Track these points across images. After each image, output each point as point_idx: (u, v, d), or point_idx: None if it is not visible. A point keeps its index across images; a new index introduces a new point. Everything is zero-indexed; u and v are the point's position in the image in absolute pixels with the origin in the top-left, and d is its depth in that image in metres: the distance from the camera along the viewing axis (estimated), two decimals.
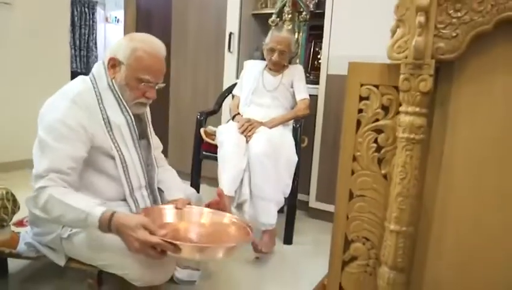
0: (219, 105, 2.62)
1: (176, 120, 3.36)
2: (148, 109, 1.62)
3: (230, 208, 1.96)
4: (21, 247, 1.53)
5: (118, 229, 1.22)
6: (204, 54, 3.12)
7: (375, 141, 0.96)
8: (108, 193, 1.41)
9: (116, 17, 6.73)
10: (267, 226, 1.99)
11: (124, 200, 1.44)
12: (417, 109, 0.86)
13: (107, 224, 1.21)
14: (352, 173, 0.99)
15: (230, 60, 2.94)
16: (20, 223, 1.81)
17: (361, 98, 0.96)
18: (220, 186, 1.92)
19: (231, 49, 2.91)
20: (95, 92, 1.40)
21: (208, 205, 1.53)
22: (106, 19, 7.43)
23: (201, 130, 2.26)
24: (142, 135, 1.54)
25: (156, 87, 1.46)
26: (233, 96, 2.50)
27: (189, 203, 1.50)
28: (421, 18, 0.79)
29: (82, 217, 1.21)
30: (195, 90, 3.20)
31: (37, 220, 1.45)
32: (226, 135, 2.05)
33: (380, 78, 0.93)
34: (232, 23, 2.90)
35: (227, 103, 2.63)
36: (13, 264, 1.66)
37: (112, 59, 1.40)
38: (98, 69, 1.44)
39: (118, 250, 1.35)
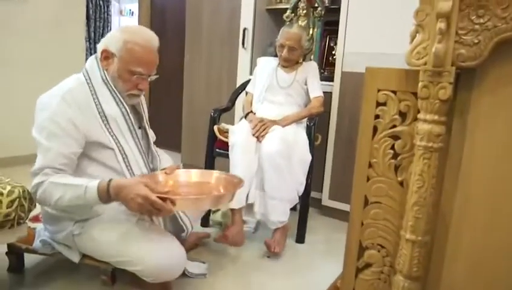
0: (232, 102, 2.60)
1: (189, 115, 3.36)
2: (144, 101, 1.64)
3: (242, 220, 2.00)
4: (36, 244, 1.56)
5: (117, 193, 1.25)
6: (218, 49, 3.10)
7: (392, 148, 0.95)
8: None
9: (130, 10, 6.74)
10: (278, 224, 1.98)
11: None
12: (436, 117, 0.83)
13: (106, 191, 1.25)
14: (368, 179, 0.97)
15: (244, 56, 2.93)
16: (36, 219, 1.84)
17: (378, 104, 0.94)
18: None
19: (245, 45, 2.89)
20: (89, 86, 1.41)
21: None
22: (121, 12, 7.43)
23: (215, 128, 2.26)
24: (139, 126, 1.56)
25: (149, 79, 1.47)
26: (246, 93, 2.49)
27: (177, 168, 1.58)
28: (441, 24, 0.76)
29: (81, 192, 1.25)
30: (208, 86, 3.20)
31: (49, 218, 1.49)
32: (236, 136, 2.04)
33: (398, 84, 0.91)
34: (246, 19, 2.87)
35: (241, 99, 2.62)
36: (29, 259, 1.69)
37: (104, 51, 1.42)
38: (91, 63, 1.45)
39: (130, 246, 1.37)
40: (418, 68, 0.84)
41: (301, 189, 2.05)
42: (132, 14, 6.71)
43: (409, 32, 0.86)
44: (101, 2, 7.11)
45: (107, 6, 7.25)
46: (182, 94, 3.37)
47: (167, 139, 4.12)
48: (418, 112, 0.87)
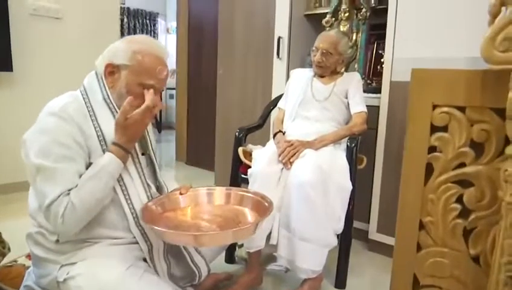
0: (264, 119, 2.31)
1: (223, 132, 3.17)
2: (150, 126, 1.47)
3: (259, 264, 1.74)
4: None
5: (126, 137, 1.21)
6: (253, 62, 2.88)
7: (459, 200, 0.58)
8: (113, 223, 1.27)
9: (177, 28, 6.81)
10: (309, 273, 1.61)
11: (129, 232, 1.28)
12: None
13: (118, 152, 1.21)
14: (419, 248, 0.61)
15: (279, 67, 2.66)
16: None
17: (434, 128, 0.58)
18: None
19: (280, 55, 2.61)
20: (86, 105, 1.27)
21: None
22: (167, 30, 7.58)
23: (239, 150, 1.96)
24: (143, 151, 1.40)
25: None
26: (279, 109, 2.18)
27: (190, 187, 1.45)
28: None
29: (104, 171, 1.18)
30: (242, 101, 2.98)
31: (36, 260, 1.35)
32: (256, 165, 1.73)
33: (468, 95, 0.54)
34: (281, 26, 2.63)
35: (274, 116, 2.32)
36: None
37: (109, 66, 1.28)
38: (90, 80, 1.32)
39: None
40: (505, 67, 0.48)
41: (339, 226, 1.68)
42: None
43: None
44: (147, 21, 7.32)
45: (154, 25, 7.45)
46: (214, 109, 3.19)
47: (203, 158, 3.94)
48: (507, 142, 0.51)
